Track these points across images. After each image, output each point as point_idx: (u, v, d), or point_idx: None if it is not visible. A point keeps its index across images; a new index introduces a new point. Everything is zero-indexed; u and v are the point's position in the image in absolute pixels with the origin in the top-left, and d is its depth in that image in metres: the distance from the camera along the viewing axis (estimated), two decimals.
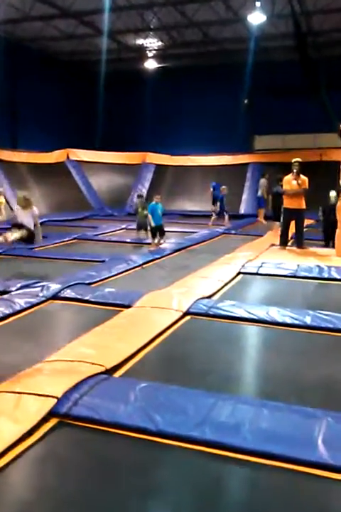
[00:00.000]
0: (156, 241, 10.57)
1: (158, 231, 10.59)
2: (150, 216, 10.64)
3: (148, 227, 11.04)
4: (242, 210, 18.51)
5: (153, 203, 10.71)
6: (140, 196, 12.57)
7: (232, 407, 3.24)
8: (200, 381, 3.84)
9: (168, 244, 10.72)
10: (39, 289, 6.27)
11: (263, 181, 15.49)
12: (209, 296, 6.25)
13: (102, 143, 21.90)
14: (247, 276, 7.72)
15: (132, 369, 4.06)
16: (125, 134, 22.73)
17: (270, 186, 14.48)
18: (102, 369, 3.86)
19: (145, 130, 22.77)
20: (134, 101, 23.05)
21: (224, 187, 15.34)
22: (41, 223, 12.98)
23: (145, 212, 11.11)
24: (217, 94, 21.76)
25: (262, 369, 4.19)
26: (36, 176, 18.42)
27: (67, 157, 20.29)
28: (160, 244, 10.49)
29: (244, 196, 19.06)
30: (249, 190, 19.11)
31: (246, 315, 5.37)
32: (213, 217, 15.06)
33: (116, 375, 3.92)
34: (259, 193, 15.35)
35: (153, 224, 10.60)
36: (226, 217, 14.90)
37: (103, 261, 8.66)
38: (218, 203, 15.04)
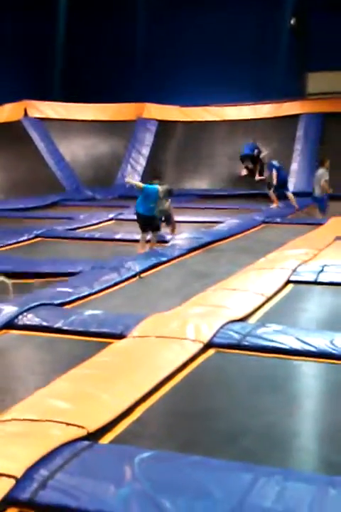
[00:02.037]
0: (147, 239, 10.46)
1: (149, 225, 10.43)
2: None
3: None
4: (291, 187, 18.49)
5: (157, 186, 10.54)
6: (156, 177, 12.49)
7: (280, 487, 3.23)
8: (231, 447, 3.84)
9: (179, 240, 10.74)
10: None
11: (321, 173, 14.90)
12: (243, 319, 6.26)
13: (71, 90, 21.86)
14: (300, 287, 7.72)
15: (127, 431, 4.06)
16: (109, 76, 22.77)
17: None
18: (82, 432, 3.86)
19: (139, 69, 22.82)
20: (121, 24, 23.10)
21: (264, 153, 15.52)
22: None
23: (161, 206, 11.07)
24: (247, 12, 21.73)
25: (324, 427, 4.17)
26: None
27: (25, 113, 20.44)
28: (153, 245, 10.41)
29: (294, 165, 19.06)
30: (301, 156, 19.11)
31: (299, 346, 5.38)
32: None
33: (104, 440, 3.93)
34: (317, 193, 14.28)
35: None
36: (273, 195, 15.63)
37: (80, 271, 8.65)
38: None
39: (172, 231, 11.71)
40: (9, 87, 20.55)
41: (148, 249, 10.29)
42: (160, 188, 10.58)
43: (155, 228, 10.53)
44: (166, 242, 10.96)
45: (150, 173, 17.67)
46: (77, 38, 22.48)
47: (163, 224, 11.48)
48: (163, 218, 11.21)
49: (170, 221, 11.64)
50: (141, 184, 10.71)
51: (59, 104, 21.16)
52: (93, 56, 23.27)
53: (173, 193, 11.35)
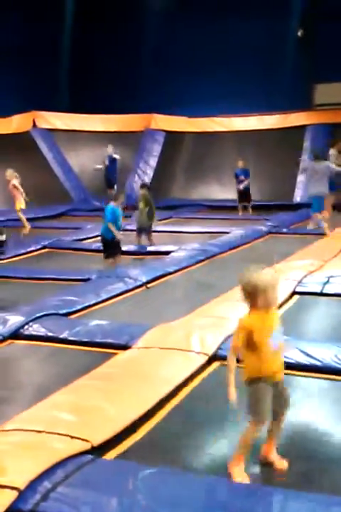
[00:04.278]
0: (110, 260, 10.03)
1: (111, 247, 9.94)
2: (112, 226, 9.81)
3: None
4: (298, 198, 18.50)
5: (115, 205, 10.06)
6: (144, 186, 12.61)
7: (280, 506, 3.21)
8: None
9: (184, 251, 10.74)
10: None
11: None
12: None
13: (78, 101, 21.94)
14: (306, 299, 7.68)
15: (132, 446, 4.04)
16: (117, 86, 22.82)
17: None
18: (86, 446, 3.85)
19: (146, 80, 22.86)
20: (129, 35, 23.15)
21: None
22: None
23: (148, 208, 11.35)
24: (255, 23, 21.73)
25: (330, 448, 4.09)
26: None
27: (34, 124, 20.52)
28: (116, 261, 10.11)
29: (301, 177, 19.02)
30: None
31: (304, 359, 5.33)
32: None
33: (108, 455, 3.91)
34: (322, 190, 13.70)
35: (120, 236, 9.96)
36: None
37: (87, 279, 8.71)
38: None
39: (150, 241, 11.77)
40: (18, 98, 20.64)
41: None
42: (141, 194, 11.01)
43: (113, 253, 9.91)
44: (145, 253, 11.04)
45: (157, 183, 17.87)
46: (84, 49, 22.56)
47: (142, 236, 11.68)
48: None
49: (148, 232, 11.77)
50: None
51: (67, 115, 21.25)
52: (101, 67, 23.32)
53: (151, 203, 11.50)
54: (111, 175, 18.51)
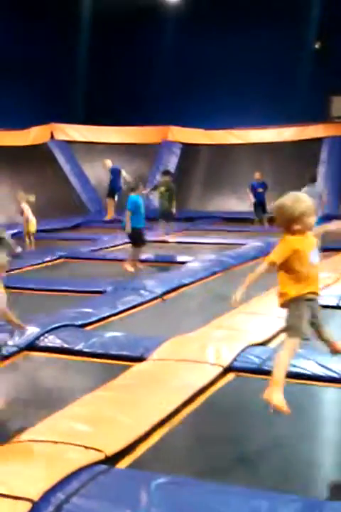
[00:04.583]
0: (135, 258, 10.32)
1: (139, 238, 10.26)
2: (128, 216, 10.18)
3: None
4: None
5: (134, 195, 10.30)
6: (167, 173, 12.76)
7: None
8: (249, 474, 3.81)
9: (200, 262, 10.73)
10: (7, 334, 6.30)
11: (318, 189, 15.22)
12: (264, 343, 6.21)
13: (95, 113, 22.07)
14: (322, 312, 7.59)
15: (145, 456, 4.05)
16: (134, 98, 22.96)
17: None
18: (100, 456, 3.85)
19: (163, 92, 22.95)
20: (146, 50, 23.30)
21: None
22: (13, 235, 13.46)
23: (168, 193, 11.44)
24: (271, 35, 21.78)
25: None
26: (4, 166, 18.77)
27: (52, 136, 20.66)
28: (140, 268, 10.32)
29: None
30: (324, 179, 19.00)
31: (320, 371, 5.31)
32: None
33: (121, 465, 3.91)
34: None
35: (129, 229, 10.30)
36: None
37: (103, 291, 8.73)
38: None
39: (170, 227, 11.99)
40: (35, 111, 20.82)
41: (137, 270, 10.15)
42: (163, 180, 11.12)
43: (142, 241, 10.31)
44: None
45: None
46: (102, 61, 22.72)
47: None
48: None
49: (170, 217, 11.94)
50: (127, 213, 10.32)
51: (84, 127, 21.35)
52: (118, 79, 23.49)
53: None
54: (115, 185, 18.43)
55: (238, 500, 3.37)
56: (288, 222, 3.88)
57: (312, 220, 3.93)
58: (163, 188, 11.98)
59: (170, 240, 12.17)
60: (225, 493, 3.46)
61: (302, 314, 3.96)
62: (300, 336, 3.95)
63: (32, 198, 13.08)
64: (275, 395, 3.83)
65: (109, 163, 18.41)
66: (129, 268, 10.26)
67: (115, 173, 18.22)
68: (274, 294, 8.03)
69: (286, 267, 3.94)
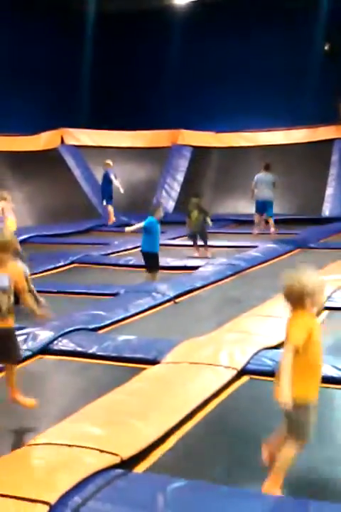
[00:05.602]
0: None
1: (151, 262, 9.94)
2: (141, 226, 10.05)
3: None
4: (327, 212, 18.37)
5: (153, 218, 9.99)
6: (197, 195, 13.16)
7: None
8: (265, 478, 3.73)
9: (212, 266, 10.72)
10: (21, 339, 6.33)
11: (272, 176, 15.59)
12: (278, 346, 6.17)
13: (104, 117, 22.08)
14: (336, 314, 7.61)
15: (161, 460, 4.05)
16: (144, 102, 22.99)
17: None
18: (116, 460, 3.85)
19: (173, 96, 22.97)
20: (155, 51, 23.33)
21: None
22: (25, 240, 13.53)
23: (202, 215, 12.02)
24: (281, 37, 21.78)
25: None
26: (15, 171, 18.86)
27: (62, 141, 20.71)
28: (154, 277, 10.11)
29: (329, 190, 18.92)
30: (336, 182, 18.95)
31: (334, 373, 5.31)
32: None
33: (138, 469, 3.92)
34: (267, 196, 15.30)
35: (130, 228, 10.44)
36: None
37: (115, 294, 8.74)
38: None
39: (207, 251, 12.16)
40: (46, 116, 20.85)
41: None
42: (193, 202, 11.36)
43: (156, 266, 9.93)
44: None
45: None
46: (111, 65, 22.72)
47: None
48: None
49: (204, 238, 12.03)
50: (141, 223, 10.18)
51: (95, 131, 21.37)
52: (127, 83, 23.51)
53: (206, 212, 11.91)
54: (104, 190, 18.23)
55: (255, 505, 3.37)
56: (298, 299, 3.54)
57: (323, 298, 3.64)
58: (195, 212, 12.35)
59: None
60: (242, 498, 3.46)
61: (310, 420, 3.57)
62: (306, 440, 3.60)
63: (6, 195, 12.63)
64: (273, 492, 3.54)
65: (109, 163, 18.27)
66: None
67: (106, 177, 18.05)
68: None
69: (296, 354, 3.47)
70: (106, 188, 18.10)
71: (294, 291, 3.55)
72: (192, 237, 12.59)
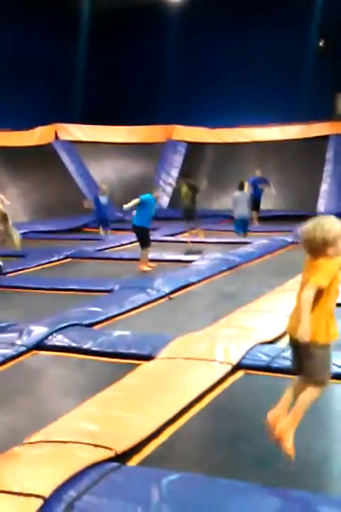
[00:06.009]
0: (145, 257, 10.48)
1: (142, 236, 10.41)
2: (135, 203, 10.35)
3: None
4: (322, 208, 18.40)
5: (150, 194, 10.50)
6: (187, 175, 13.24)
7: None
8: (260, 471, 3.81)
9: (207, 261, 10.73)
10: (16, 334, 6.35)
11: (247, 194, 15.42)
12: (272, 341, 6.21)
13: (99, 112, 22.01)
14: (338, 311, 7.62)
15: (155, 454, 4.05)
16: (138, 98, 22.96)
17: None
18: (111, 454, 3.86)
19: (168, 91, 22.97)
20: (151, 48, 23.31)
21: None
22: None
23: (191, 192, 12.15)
24: (276, 33, 21.78)
25: None
26: (9, 166, 18.81)
27: (56, 136, 20.68)
28: (151, 266, 10.46)
29: (324, 186, 18.96)
30: (331, 178, 18.99)
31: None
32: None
33: (132, 462, 3.93)
34: (243, 213, 14.84)
35: (126, 205, 10.54)
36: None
37: (110, 290, 8.75)
38: None
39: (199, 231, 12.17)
40: (40, 111, 20.81)
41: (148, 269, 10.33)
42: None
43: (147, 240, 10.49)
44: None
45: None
46: (106, 61, 22.73)
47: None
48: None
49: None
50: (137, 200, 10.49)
51: (89, 126, 21.36)
52: (122, 78, 23.50)
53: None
54: (101, 216, 16.00)
55: (249, 497, 3.38)
56: (321, 246, 3.55)
57: None
58: (184, 188, 12.41)
59: (193, 240, 12.45)
60: (236, 490, 3.46)
61: (330, 362, 3.66)
62: (325, 385, 3.67)
63: None
64: (288, 442, 3.64)
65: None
66: (145, 268, 10.41)
67: (97, 202, 15.94)
68: (281, 293, 8.08)
69: (318, 297, 3.53)
70: (101, 214, 16.03)
71: (316, 239, 3.58)
72: (185, 216, 12.63)
